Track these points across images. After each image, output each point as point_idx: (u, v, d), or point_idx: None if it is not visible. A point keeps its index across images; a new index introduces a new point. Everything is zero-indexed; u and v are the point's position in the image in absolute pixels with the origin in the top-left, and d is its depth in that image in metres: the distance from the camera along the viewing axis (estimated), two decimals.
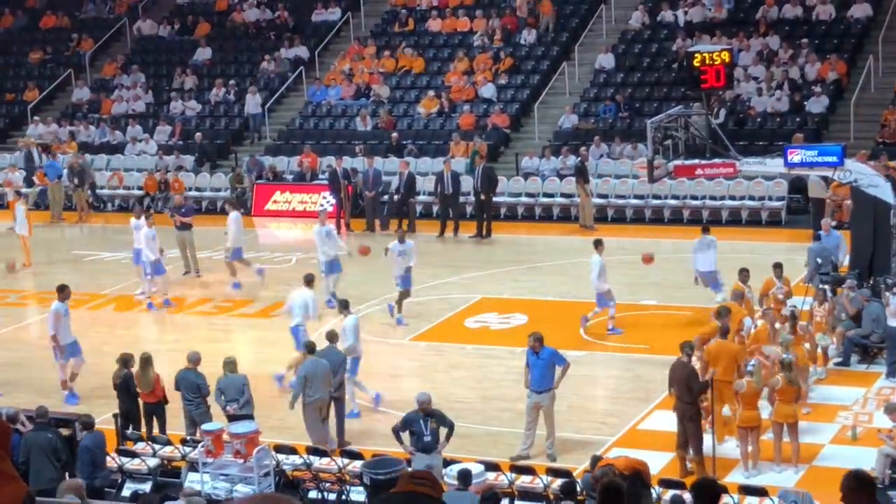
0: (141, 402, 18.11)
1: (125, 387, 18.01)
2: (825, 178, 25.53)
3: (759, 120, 32.86)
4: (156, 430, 17.97)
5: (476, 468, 15.10)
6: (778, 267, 21.12)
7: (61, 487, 12.95)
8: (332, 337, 18.45)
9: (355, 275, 25.40)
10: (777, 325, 19.16)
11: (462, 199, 31.83)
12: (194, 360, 17.93)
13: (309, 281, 20.88)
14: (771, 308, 19.80)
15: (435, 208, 31.97)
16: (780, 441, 16.77)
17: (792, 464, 16.58)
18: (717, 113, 30.61)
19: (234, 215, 26.32)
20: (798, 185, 29.64)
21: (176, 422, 18.03)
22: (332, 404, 18.00)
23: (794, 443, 16.81)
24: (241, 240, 26.33)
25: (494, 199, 31.29)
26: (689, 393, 16.42)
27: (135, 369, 18.04)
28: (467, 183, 31.83)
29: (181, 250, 27.52)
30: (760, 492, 15.08)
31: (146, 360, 18.08)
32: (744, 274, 20.75)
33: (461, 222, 30.73)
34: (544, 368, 17.29)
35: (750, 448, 16.63)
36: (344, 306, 19.56)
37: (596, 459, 14.99)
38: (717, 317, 18.43)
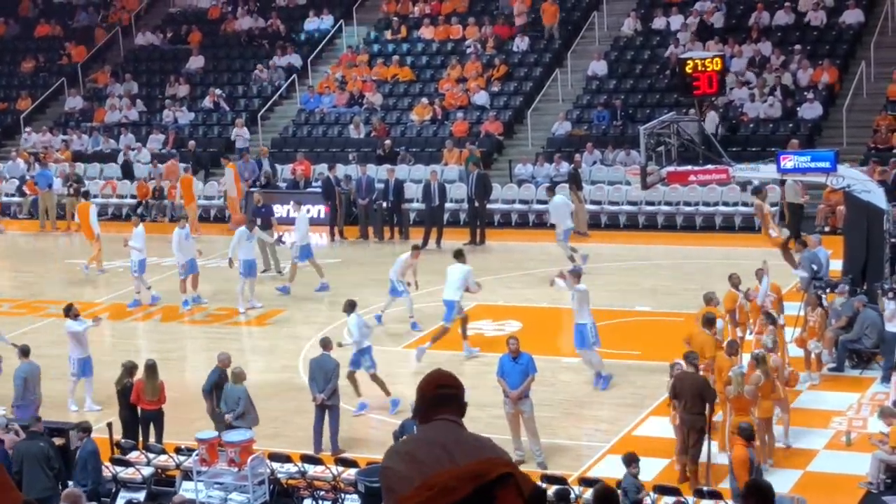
0: (139, 409, 18.04)
1: (124, 396, 17.98)
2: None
3: (751, 126, 32.90)
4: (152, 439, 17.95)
5: None
6: (760, 270, 20.71)
7: (66, 494, 12.96)
8: (325, 344, 18.43)
9: (356, 280, 25.31)
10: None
11: (455, 206, 31.87)
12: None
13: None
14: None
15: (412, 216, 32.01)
16: (770, 437, 16.88)
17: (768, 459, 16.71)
18: (704, 116, 30.54)
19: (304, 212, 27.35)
20: None
21: (174, 429, 18.00)
22: (326, 412, 18.00)
23: (769, 437, 16.96)
24: (306, 237, 26.56)
25: (488, 206, 31.31)
26: (701, 404, 16.28)
27: (138, 377, 18.01)
28: (461, 190, 31.84)
29: (261, 249, 27.52)
30: None
31: (151, 368, 17.98)
32: (734, 278, 20.62)
33: (451, 230, 30.68)
34: (523, 374, 17.16)
35: None
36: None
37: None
38: (704, 325, 18.32)
